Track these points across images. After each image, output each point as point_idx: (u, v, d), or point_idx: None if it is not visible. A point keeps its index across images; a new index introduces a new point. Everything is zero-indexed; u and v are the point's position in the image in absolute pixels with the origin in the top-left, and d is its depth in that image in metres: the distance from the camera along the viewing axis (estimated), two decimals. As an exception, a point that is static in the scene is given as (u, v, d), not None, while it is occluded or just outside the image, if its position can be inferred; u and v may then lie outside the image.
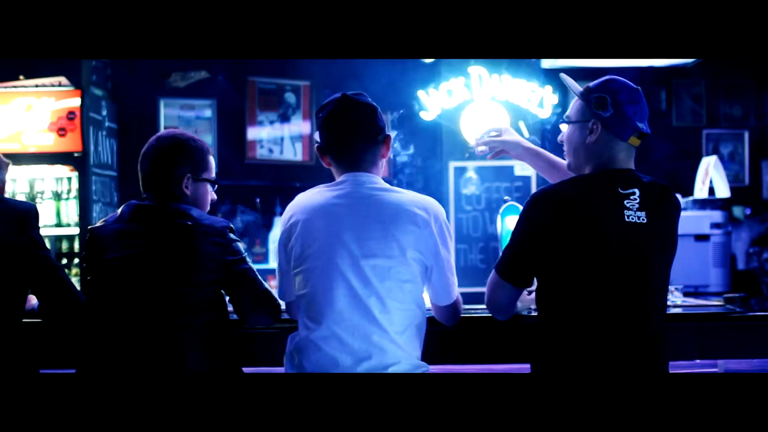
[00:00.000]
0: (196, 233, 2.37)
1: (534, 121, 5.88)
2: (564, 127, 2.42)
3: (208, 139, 5.94)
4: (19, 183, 5.21)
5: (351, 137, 2.40)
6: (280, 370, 2.42)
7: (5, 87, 5.20)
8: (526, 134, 5.93)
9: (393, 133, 2.51)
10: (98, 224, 2.48)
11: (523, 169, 5.97)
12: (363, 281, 2.28)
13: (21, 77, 5.23)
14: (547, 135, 6.00)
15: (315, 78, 6.09)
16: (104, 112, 5.43)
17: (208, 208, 2.58)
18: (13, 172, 5.08)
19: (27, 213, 2.61)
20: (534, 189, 5.90)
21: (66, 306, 2.59)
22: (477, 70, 5.78)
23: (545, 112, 5.83)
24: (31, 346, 2.60)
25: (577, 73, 6.24)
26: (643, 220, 2.22)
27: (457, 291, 2.44)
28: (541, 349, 2.31)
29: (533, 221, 2.25)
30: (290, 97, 6.10)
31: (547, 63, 5.63)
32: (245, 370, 2.51)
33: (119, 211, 2.47)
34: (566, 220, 2.20)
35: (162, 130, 2.64)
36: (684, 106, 6.61)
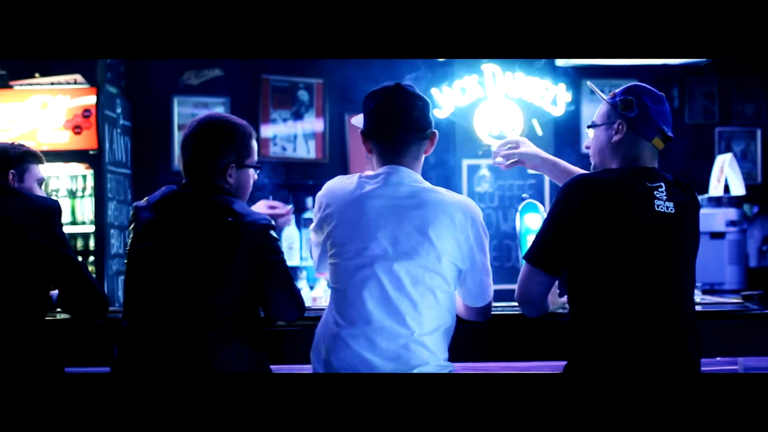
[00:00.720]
0: (237, 231, 2.29)
1: (547, 118, 5.87)
2: (590, 133, 2.48)
3: (221, 137, 5.96)
4: (34, 181, 5.22)
5: (399, 127, 2.37)
6: (306, 366, 2.41)
7: (21, 85, 5.21)
8: (539, 132, 5.92)
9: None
10: (142, 203, 2.41)
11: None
12: (396, 284, 2.26)
13: (36, 75, 5.24)
14: (559, 132, 6.00)
15: (328, 76, 6.10)
16: (119, 110, 5.45)
17: (249, 193, 2.51)
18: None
19: (51, 210, 2.60)
20: (547, 187, 5.90)
21: (88, 303, 2.58)
22: (490, 68, 5.77)
23: (558, 110, 5.81)
24: (56, 343, 2.60)
25: (591, 72, 6.27)
26: (672, 210, 2.27)
27: (491, 292, 2.42)
28: (575, 346, 2.31)
29: (567, 206, 2.28)
30: (303, 95, 6.11)
31: (561, 61, 5.62)
32: (273, 368, 2.49)
33: (159, 193, 2.39)
34: (600, 205, 2.24)
35: (203, 114, 2.52)
36: (696, 103, 6.58)
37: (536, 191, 5.88)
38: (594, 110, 7.04)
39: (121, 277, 5.27)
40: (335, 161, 6.06)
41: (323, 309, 2.57)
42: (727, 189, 5.28)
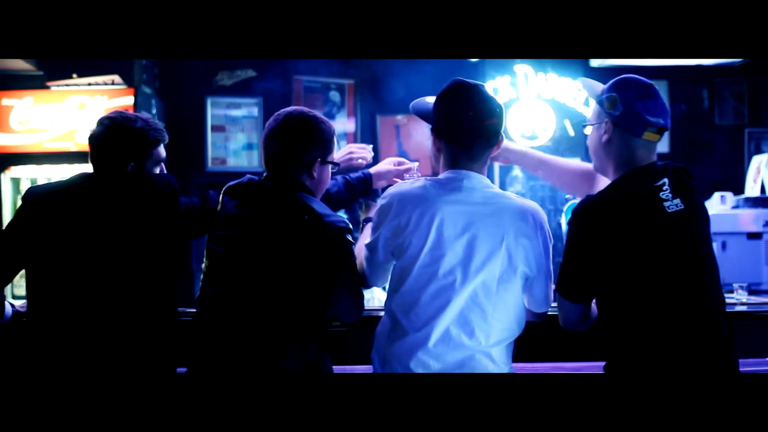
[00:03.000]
0: (313, 230, 2.27)
1: (579, 119, 5.85)
2: (587, 131, 2.43)
3: (254, 137, 6.00)
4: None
5: (476, 134, 2.30)
6: (366, 367, 2.40)
7: (58, 86, 5.27)
8: (571, 132, 5.90)
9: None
10: (232, 185, 2.38)
11: (568, 167, 5.93)
12: (469, 294, 2.22)
13: (74, 76, 5.30)
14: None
15: (359, 76, 6.12)
16: (154, 111, 5.50)
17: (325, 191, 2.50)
18: (67, 170, 5.20)
19: (171, 189, 2.40)
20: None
21: None
22: (523, 68, 5.76)
23: (591, 111, 5.78)
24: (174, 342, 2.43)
25: (622, 72, 6.21)
26: (680, 206, 2.22)
27: (552, 297, 2.38)
28: (613, 346, 2.30)
29: (582, 234, 2.25)
30: (335, 96, 6.14)
31: (595, 62, 5.60)
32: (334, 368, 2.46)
33: (241, 182, 2.36)
34: (613, 225, 2.20)
35: (285, 108, 2.46)
36: (726, 104, 6.51)
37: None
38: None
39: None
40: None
41: (373, 309, 2.57)
42: (763, 189, 5.22)
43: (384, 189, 2.52)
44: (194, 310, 2.38)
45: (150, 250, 2.34)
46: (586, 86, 2.45)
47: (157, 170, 2.50)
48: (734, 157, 6.33)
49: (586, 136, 2.48)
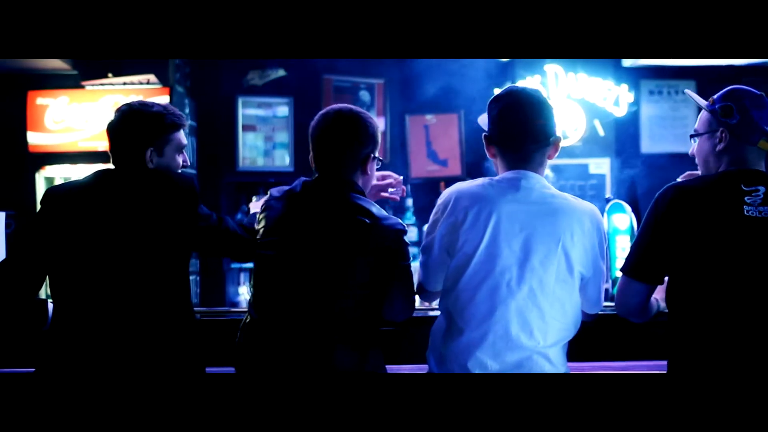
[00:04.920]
0: (374, 233, 2.26)
1: (609, 119, 5.84)
2: (694, 142, 2.43)
3: (284, 137, 6.05)
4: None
5: (524, 137, 2.31)
6: (414, 367, 2.40)
7: (93, 85, 5.32)
8: (601, 132, 5.88)
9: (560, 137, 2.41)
10: (276, 192, 2.37)
11: (597, 167, 5.93)
12: (527, 293, 2.22)
13: (109, 75, 5.34)
14: (620, 132, 5.95)
15: (389, 76, 6.14)
16: (186, 110, 5.52)
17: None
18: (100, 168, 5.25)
19: (192, 188, 2.38)
20: (609, 186, 5.87)
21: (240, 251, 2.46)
22: (553, 68, 5.76)
23: (621, 111, 5.77)
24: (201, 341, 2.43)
25: (654, 72, 6.17)
26: (765, 214, 2.22)
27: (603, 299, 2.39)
28: (676, 347, 2.30)
29: (655, 216, 2.28)
30: (365, 95, 6.16)
31: (627, 61, 5.57)
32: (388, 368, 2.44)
33: (292, 187, 2.34)
34: (684, 213, 2.23)
35: (331, 107, 2.42)
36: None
37: (598, 191, 5.85)
38: (654, 111, 6.93)
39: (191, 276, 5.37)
40: (396, 160, 6.08)
41: (421, 309, 2.57)
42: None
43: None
44: (223, 309, 2.38)
45: (166, 250, 2.33)
46: (693, 97, 2.47)
47: (179, 159, 2.47)
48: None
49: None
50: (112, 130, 2.40)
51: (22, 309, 2.38)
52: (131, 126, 2.38)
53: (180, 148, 2.45)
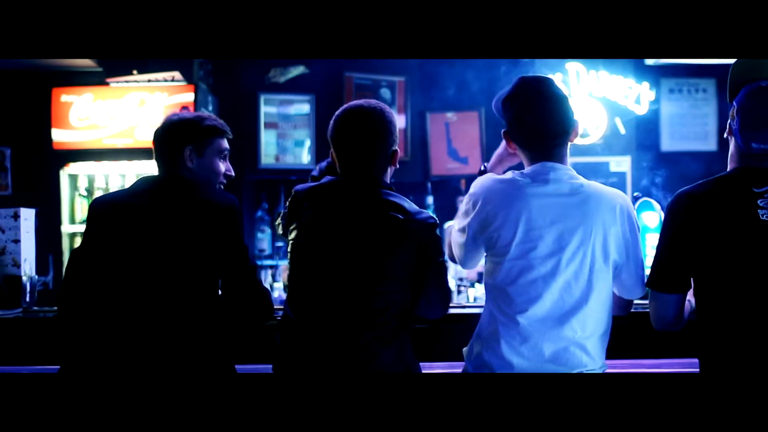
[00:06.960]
0: (408, 229, 2.28)
1: (630, 117, 5.82)
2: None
3: (305, 134, 6.07)
4: (129, 178, 5.28)
5: (542, 133, 2.34)
6: (446, 364, 2.43)
7: (118, 82, 5.32)
8: (622, 131, 5.86)
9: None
10: (301, 189, 2.37)
11: (618, 165, 5.91)
12: (563, 286, 2.24)
13: (134, 72, 5.34)
14: (641, 130, 5.92)
15: (410, 74, 6.14)
16: (210, 107, 5.53)
17: None
18: (126, 167, 5.29)
19: (230, 211, 2.36)
20: (629, 185, 5.86)
21: (259, 311, 2.41)
22: (575, 66, 5.76)
23: (642, 109, 5.76)
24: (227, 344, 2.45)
25: (676, 70, 6.13)
26: None
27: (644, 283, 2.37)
28: (706, 347, 2.30)
29: (670, 225, 2.28)
30: (386, 93, 6.17)
31: (650, 60, 5.55)
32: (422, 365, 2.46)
33: (319, 184, 2.35)
34: (699, 221, 2.22)
35: (354, 101, 2.43)
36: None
37: (618, 189, 5.81)
38: (674, 109, 6.87)
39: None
40: (417, 158, 6.08)
41: (454, 307, 2.58)
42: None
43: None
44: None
45: (201, 265, 2.35)
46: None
47: (222, 166, 2.53)
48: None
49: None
50: (156, 134, 2.54)
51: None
52: (170, 128, 2.51)
53: (221, 153, 2.52)
